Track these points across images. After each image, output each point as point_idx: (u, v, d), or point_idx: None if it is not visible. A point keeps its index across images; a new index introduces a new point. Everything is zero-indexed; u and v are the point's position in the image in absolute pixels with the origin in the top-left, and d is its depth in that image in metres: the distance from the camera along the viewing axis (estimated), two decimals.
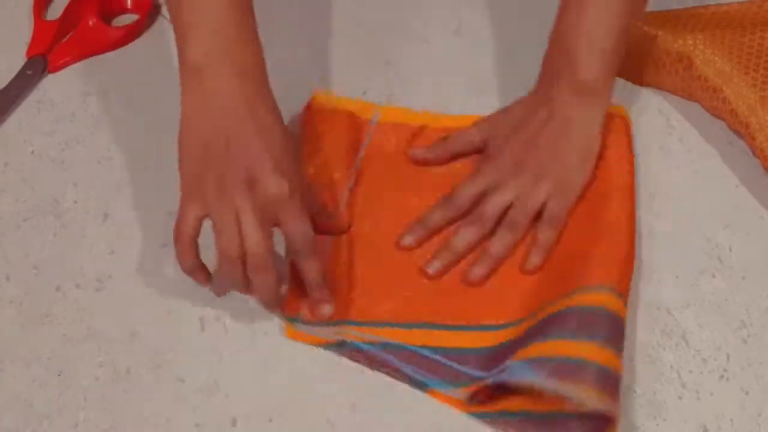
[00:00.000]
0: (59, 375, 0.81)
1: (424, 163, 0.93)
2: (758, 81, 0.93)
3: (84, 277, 0.87)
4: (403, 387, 0.81)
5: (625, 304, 0.81)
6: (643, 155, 0.94)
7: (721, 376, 0.82)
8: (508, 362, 0.78)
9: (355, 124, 0.93)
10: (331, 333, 0.82)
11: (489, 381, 0.78)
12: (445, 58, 1.03)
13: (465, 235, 0.87)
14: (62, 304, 0.85)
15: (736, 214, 0.91)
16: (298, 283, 0.83)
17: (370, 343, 0.82)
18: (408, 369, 0.81)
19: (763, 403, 0.81)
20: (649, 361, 0.82)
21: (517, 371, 0.77)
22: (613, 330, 0.79)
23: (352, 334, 0.82)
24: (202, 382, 0.81)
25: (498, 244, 0.87)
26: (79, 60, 1.01)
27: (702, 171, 0.94)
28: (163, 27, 1.05)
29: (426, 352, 0.82)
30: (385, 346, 0.82)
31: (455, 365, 0.81)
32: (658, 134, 0.97)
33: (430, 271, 0.86)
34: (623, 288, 0.82)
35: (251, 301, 0.84)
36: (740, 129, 0.94)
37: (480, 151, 0.92)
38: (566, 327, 0.78)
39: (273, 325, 0.84)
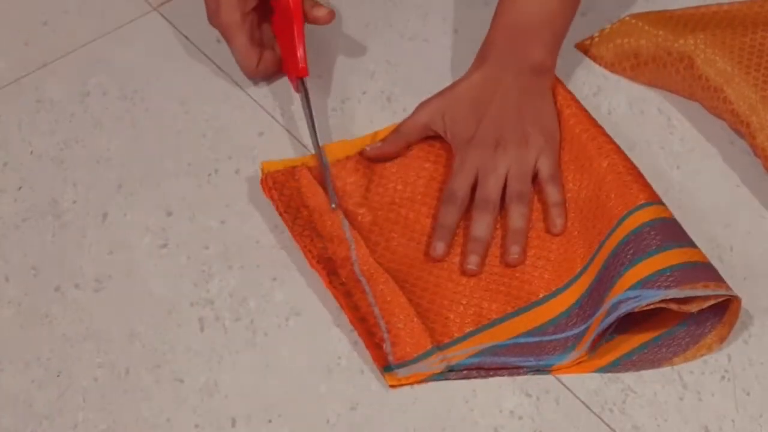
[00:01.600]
0: (58, 375, 0.81)
1: (382, 156, 0.94)
2: (759, 80, 0.93)
3: (83, 277, 0.87)
4: (403, 387, 0.81)
5: (665, 206, 0.86)
6: (644, 155, 0.94)
7: (723, 377, 0.82)
8: (607, 303, 0.80)
9: (314, 173, 0.92)
10: (431, 365, 0.81)
11: (602, 325, 0.80)
12: (444, 58, 1.03)
13: (481, 222, 0.88)
14: (61, 305, 0.85)
15: (737, 213, 0.91)
16: (369, 332, 0.83)
17: (474, 355, 0.82)
18: (521, 361, 0.82)
19: (765, 403, 0.80)
20: None
21: (633, 301, 0.79)
22: (679, 232, 0.84)
23: (449, 357, 0.82)
24: (202, 382, 0.81)
25: (517, 219, 0.89)
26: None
27: (703, 170, 0.94)
28: (163, 28, 1.05)
29: (522, 339, 0.83)
30: (488, 350, 0.82)
31: (556, 336, 0.83)
32: (659, 134, 0.97)
33: (472, 266, 0.87)
34: (654, 197, 0.86)
35: (251, 301, 0.85)
36: (741, 128, 0.93)
37: (430, 134, 0.94)
38: (641, 249, 0.82)
39: (273, 325, 0.84)
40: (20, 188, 0.92)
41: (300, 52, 0.93)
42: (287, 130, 0.96)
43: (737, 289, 0.86)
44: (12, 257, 0.88)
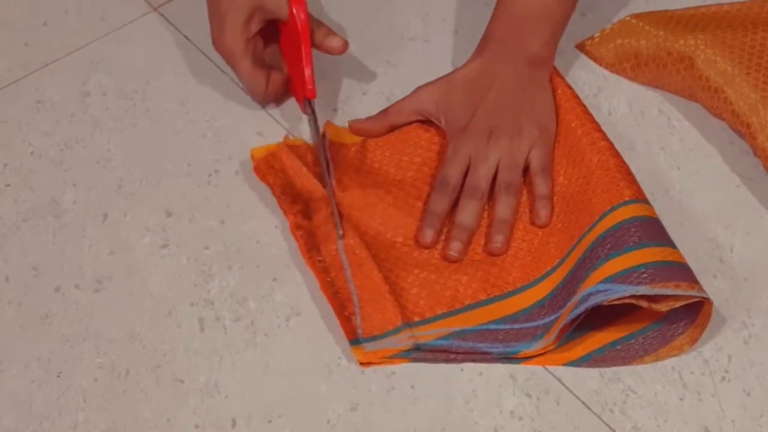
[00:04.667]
0: (58, 376, 0.81)
1: (363, 131, 0.95)
2: (759, 81, 0.93)
3: (83, 277, 0.87)
4: (403, 387, 0.81)
5: (650, 205, 0.87)
6: (644, 155, 0.94)
7: (723, 377, 0.82)
8: (578, 294, 0.81)
9: (305, 150, 0.93)
10: (399, 341, 0.82)
11: (570, 316, 0.80)
12: (445, 58, 1.03)
13: (468, 210, 0.89)
14: (61, 305, 0.85)
15: (737, 214, 0.91)
16: (343, 305, 0.84)
17: (443, 338, 0.83)
18: (488, 347, 0.82)
19: (765, 404, 0.80)
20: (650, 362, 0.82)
21: (603, 294, 0.80)
22: (659, 231, 0.84)
23: (418, 335, 0.82)
24: (202, 382, 0.81)
25: (503, 208, 0.89)
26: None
27: (703, 171, 0.94)
28: (163, 28, 1.05)
29: (493, 326, 0.83)
30: (456, 334, 0.83)
31: (526, 324, 0.83)
32: (659, 134, 0.97)
33: (454, 253, 0.87)
34: (640, 194, 0.87)
35: (251, 302, 0.85)
36: (741, 129, 0.93)
37: (421, 119, 0.95)
38: (619, 244, 0.82)
39: (273, 325, 0.84)
40: (21, 189, 0.92)
41: (308, 74, 0.92)
42: (287, 130, 0.96)
43: (737, 289, 0.86)
44: (12, 257, 0.88)
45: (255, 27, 0.93)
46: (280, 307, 0.85)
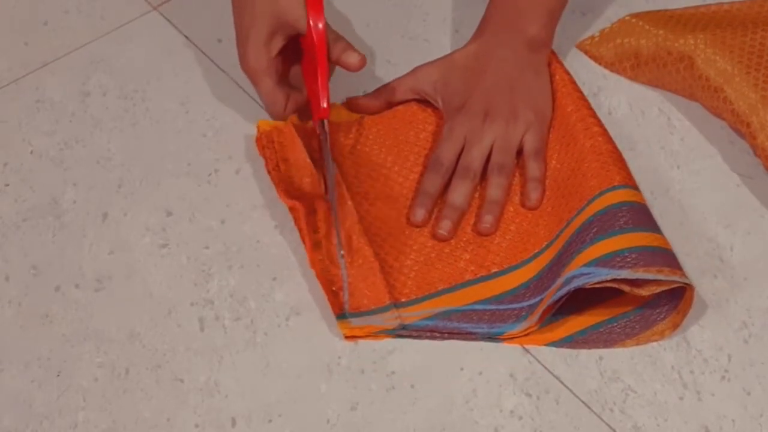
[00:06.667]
0: (58, 375, 0.81)
1: (360, 107, 0.96)
2: (759, 80, 0.93)
3: (83, 277, 0.87)
4: (403, 387, 0.81)
5: (639, 191, 0.88)
6: (644, 155, 0.94)
7: (723, 377, 0.82)
8: (562, 277, 0.81)
9: (311, 131, 0.94)
10: (385, 319, 0.83)
11: (554, 298, 0.81)
12: None
13: (460, 190, 0.90)
14: (61, 305, 0.85)
15: (737, 213, 0.91)
16: (330, 279, 0.84)
17: (428, 318, 0.83)
18: (473, 327, 0.83)
19: (765, 403, 0.80)
20: (650, 362, 0.82)
21: (585, 277, 0.80)
22: (646, 216, 0.85)
23: (405, 316, 0.83)
24: (202, 382, 0.81)
25: (495, 190, 0.90)
26: None
27: (703, 170, 0.94)
28: (163, 28, 1.05)
29: (478, 306, 0.84)
30: (442, 314, 0.84)
31: (511, 306, 0.84)
32: (659, 134, 0.97)
33: (443, 232, 0.88)
34: (630, 180, 0.88)
35: (251, 302, 0.85)
36: (741, 128, 0.93)
37: (418, 98, 0.96)
38: (605, 228, 0.83)
39: (273, 325, 0.84)
40: (21, 188, 0.92)
41: (322, 94, 0.90)
42: None
43: (737, 289, 0.86)
44: (12, 257, 0.88)
45: (277, 45, 0.92)
46: (280, 307, 0.85)
